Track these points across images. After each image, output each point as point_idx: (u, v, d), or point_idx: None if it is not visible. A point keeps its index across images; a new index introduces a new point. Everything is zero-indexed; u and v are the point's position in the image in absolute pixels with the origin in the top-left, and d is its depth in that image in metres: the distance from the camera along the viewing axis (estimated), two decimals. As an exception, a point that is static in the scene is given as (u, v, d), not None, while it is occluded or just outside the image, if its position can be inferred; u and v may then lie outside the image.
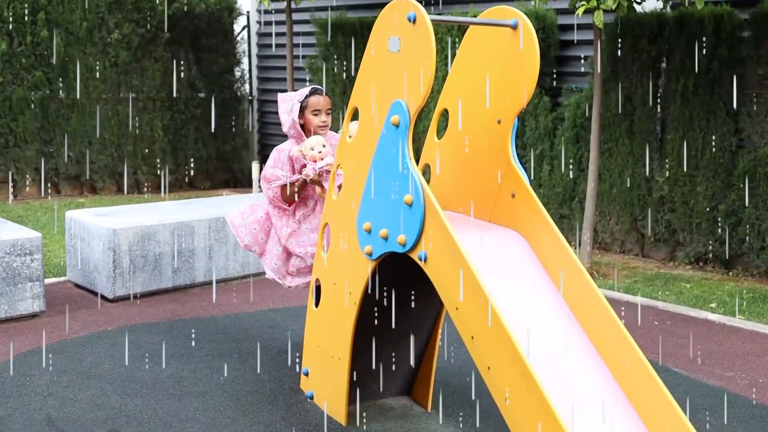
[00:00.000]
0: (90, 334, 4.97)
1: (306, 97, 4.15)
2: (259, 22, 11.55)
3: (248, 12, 11.52)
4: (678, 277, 6.82)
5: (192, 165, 10.63)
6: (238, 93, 11.33)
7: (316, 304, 3.95)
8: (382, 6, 3.40)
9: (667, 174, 7.17)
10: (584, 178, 7.42)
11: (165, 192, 10.30)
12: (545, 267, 3.24)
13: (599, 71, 6.67)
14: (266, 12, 11.33)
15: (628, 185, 7.42)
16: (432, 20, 3.13)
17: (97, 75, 9.72)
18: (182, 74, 10.48)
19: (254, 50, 11.65)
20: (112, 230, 5.54)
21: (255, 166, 10.07)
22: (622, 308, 5.84)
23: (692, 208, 7.07)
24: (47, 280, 6.03)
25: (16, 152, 9.27)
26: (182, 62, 10.51)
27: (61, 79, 9.48)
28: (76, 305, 5.52)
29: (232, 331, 5.10)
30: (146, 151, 10.20)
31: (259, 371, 4.44)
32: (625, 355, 2.92)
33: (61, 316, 5.28)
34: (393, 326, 3.78)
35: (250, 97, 11.61)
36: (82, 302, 5.59)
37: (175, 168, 10.53)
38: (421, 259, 3.14)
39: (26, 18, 9.14)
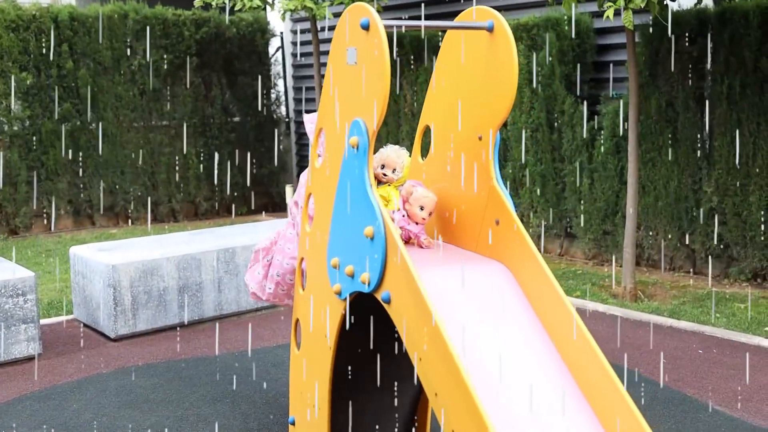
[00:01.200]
0: (82, 379, 4.70)
1: None
2: (294, 43, 11.32)
3: (282, 33, 11.30)
4: (732, 296, 6.22)
5: (228, 191, 10.42)
6: (274, 116, 11.10)
7: (299, 346, 3.58)
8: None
9: (716, 184, 6.58)
10: (627, 191, 6.88)
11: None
12: (531, 304, 2.80)
13: (634, 75, 6.16)
14: (300, 32, 11.09)
15: (674, 197, 6.85)
16: (390, 26, 2.74)
17: (127, 104, 9.60)
18: (215, 99, 10.30)
19: (289, 71, 11.42)
20: (111, 266, 5.29)
21: (289, 189, 9.80)
22: (664, 334, 5.30)
23: (745, 219, 6.46)
24: (55, 318, 5.82)
25: (48, 185, 9.19)
26: (214, 86, 10.33)
27: (90, 110, 9.39)
28: (76, 346, 5.27)
29: (232, 371, 4.76)
30: (179, 178, 10.02)
31: (249, 420, 4.08)
32: (614, 404, 2.45)
33: (57, 359, 5.03)
34: (379, 371, 3.38)
35: (287, 119, 11.37)
36: (84, 342, 5.34)
37: (211, 195, 10.33)
38: (384, 301, 2.73)
39: (52, 50, 9.08)
